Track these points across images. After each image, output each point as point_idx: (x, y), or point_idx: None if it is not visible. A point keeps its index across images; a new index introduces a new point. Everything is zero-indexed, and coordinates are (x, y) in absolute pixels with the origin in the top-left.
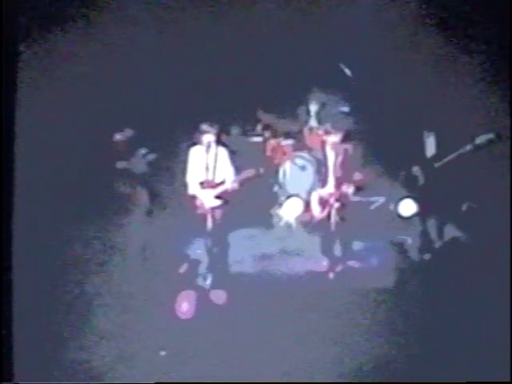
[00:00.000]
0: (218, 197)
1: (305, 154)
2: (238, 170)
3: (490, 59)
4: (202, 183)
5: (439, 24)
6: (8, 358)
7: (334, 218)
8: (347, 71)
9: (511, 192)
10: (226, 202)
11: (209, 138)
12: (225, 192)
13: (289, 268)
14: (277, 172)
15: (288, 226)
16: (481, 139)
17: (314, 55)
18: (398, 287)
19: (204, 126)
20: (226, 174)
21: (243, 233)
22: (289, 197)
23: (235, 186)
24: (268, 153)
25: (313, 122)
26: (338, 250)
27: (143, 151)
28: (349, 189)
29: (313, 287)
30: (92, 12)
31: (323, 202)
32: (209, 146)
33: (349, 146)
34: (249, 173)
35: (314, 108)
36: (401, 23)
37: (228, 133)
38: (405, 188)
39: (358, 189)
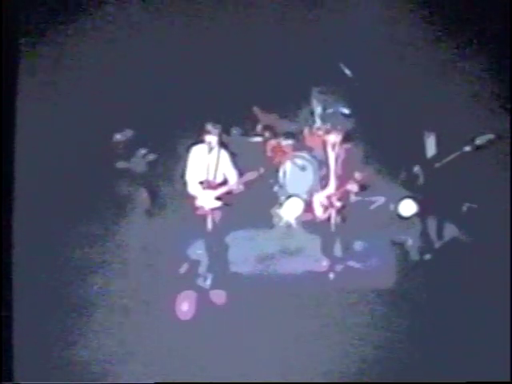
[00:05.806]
0: (218, 198)
1: (305, 154)
2: (238, 170)
3: (490, 59)
4: (202, 183)
5: (439, 24)
6: (8, 358)
7: (334, 218)
8: (347, 71)
9: (511, 192)
10: (226, 204)
11: (211, 138)
12: (229, 193)
13: (289, 268)
14: (277, 172)
15: (288, 226)
16: (481, 139)
17: (315, 56)
18: (397, 287)
19: (208, 126)
20: (229, 175)
21: (243, 233)
22: (289, 197)
23: (241, 187)
24: (268, 153)
25: (313, 122)
26: (338, 250)
27: (143, 151)
28: (353, 187)
29: (313, 287)
30: (92, 11)
31: (325, 203)
32: (211, 146)
33: (349, 146)
34: (252, 175)
35: (314, 108)
36: (401, 23)
37: (228, 133)
38: (405, 188)
39: (362, 187)
